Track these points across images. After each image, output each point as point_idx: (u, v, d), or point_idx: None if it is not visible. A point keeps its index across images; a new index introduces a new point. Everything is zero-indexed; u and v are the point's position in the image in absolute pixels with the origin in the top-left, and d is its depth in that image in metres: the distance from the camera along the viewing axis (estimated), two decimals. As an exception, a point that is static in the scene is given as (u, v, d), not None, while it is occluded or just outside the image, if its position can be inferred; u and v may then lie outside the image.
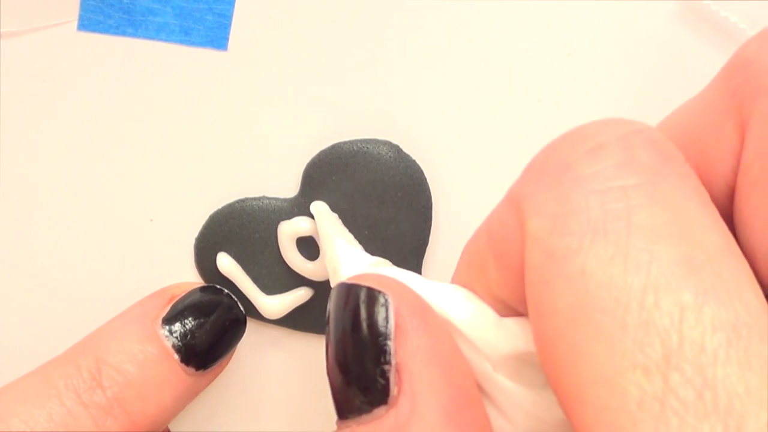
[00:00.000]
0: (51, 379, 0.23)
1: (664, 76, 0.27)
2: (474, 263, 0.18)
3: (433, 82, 0.27)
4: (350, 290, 0.18)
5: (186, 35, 0.27)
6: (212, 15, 0.27)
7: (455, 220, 0.27)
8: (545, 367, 0.15)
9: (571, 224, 0.15)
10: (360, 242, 0.27)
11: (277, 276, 0.27)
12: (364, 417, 0.17)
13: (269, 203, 0.27)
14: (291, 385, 0.28)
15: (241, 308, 0.26)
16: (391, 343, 0.17)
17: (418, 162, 0.27)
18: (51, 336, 0.27)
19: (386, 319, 0.17)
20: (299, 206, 0.27)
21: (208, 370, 0.25)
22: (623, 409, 0.13)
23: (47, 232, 0.28)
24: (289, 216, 0.27)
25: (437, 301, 0.18)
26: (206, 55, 0.27)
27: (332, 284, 0.22)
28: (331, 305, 0.18)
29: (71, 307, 0.28)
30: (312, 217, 0.27)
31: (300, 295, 0.27)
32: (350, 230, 0.27)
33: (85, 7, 0.27)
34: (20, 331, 0.28)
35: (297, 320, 0.28)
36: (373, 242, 0.27)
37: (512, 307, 0.17)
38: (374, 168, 0.26)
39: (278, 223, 0.27)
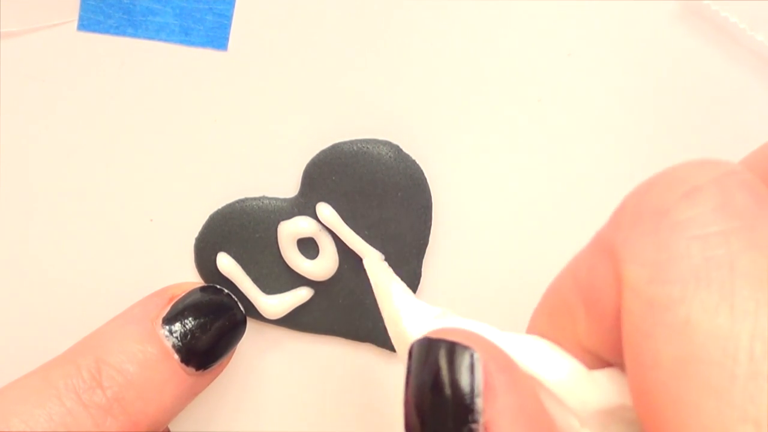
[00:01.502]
0: (51, 379, 0.23)
1: (664, 76, 0.27)
2: (558, 312, 0.18)
3: (433, 82, 0.27)
4: (432, 346, 0.17)
5: (186, 35, 0.27)
6: (212, 15, 0.27)
7: (455, 220, 0.27)
8: (644, 422, 0.15)
9: (672, 272, 0.14)
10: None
11: (277, 276, 0.27)
12: None
13: (269, 203, 0.27)
14: (291, 385, 0.28)
15: (241, 308, 0.26)
16: (480, 401, 0.16)
17: (418, 162, 0.27)
18: (51, 336, 0.27)
19: (474, 376, 0.16)
20: (299, 206, 0.27)
21: (208, 370, 0.25)
22: None
23: (47, 232, 0.28)
24: (289, 216, 0.27)
25: (520, 355, 0.18)
26: (206, 55, 0.27)
27: (392, 336, 0.21)
28: (410, 362, 0.17)
29: (71, 307, 0.28)
30: (315, 217, 0.27)
31: (300, 295, 0.27)
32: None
33: (85, 7, 0.27)
34: (20, 331, 0.28)
35: (297, 320, 0.28)
36: (373, 242, 0.27)
37: (601, 357, 0.17)
38: (374, 168, 0.26)
39: (278, 223, 0.27)
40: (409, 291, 0.23)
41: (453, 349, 0.17)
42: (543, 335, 0.18)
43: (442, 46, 0.27)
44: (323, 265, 0.27)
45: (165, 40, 0.27)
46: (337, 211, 0.26)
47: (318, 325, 0.28)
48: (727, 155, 0.18)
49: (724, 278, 0.14)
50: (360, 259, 0.27)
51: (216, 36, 0.27)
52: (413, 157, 0.27)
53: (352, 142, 0.27)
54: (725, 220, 0.14)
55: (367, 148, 0.27)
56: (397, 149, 0.27)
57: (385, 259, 0.27)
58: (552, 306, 0.18)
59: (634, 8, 0.26)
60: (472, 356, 0.17)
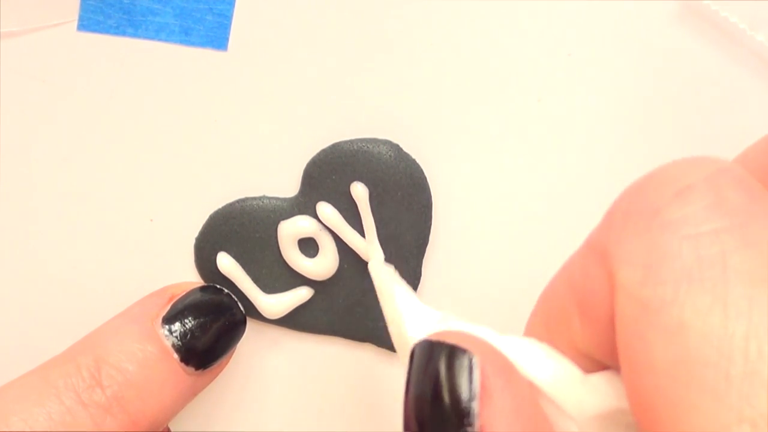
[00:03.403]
0: (50, 378, 0.23)
1: (663, 75, 0.27)
2: (554, 316, 0.18)
3: (433, 82, 0.27)
4: (433, 348, 0.17)
5: (186, 35, 0.27)
6: (212, 15, 0.27)
7: (455, 220, 0.27)
8: (641, 424, 0.14)
9: (663, 273, 0.14)
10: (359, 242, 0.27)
11: (277, 276, 0.27)
12: None
13: (269, 203, 0.27)
14: (291, 385, 0.28)
15: (241, 308, 0.26)
16: (475, 405, 0.16)
17: (418, 162, 0.27)
18: (51, 336, 0.27)
19: (471, 379, 0.16)
20: (299, 206, 0.27)
21: (208, 369, 0.25)
22: None
23: (47, 232, 0.28)
24: (289, 215, 0.27)
25: (517, 357, 0.17)
26: (206, 55, 0.27)
27: (393, 339, 0.21)
28: (411, 365, 0.17)
29: (71, 307, 0.28)
30: (315, 217, 0.27)
31: (300, 295, 0.27)
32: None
33: (85, 7, 0.27)
34: (20, 331, 0.28)
35: (297, 320, 0.27)
36: (373, 242, 0.27)
37: (597, 360, 0.17)
38: (374, 167, 0.26)
39: (278, 222, 0.27)
40: (412, 294, 0.23)
41: (452, 352, 0.17)
42: (539, 339, 0.18)
43: (442, 46, 0.27)
44: (323, 265, 0.27)
45: (165, 40, 0.27)
46: (337, 210, 0.26)
47: (318, 325, 0.28)
48: (727, 155, 0.18)
49: (717, 277, 0.14)
50: (360, 259, 0.27)
51: (216, 36, 0.27)
52: (413, 157, 0.27)
53: (352, 141, 0.27)
54: (717, 219, 0.14)
55: (367, 147, 0.27)
56: (397, 149, 0.27)
57: (385, 259, 0.27)
58: (547, 310, 0.18)
59: (634, 8, 0.26)
60: (470, 359, 0.16)
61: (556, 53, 0.27)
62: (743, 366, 0.13)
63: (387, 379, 0.28)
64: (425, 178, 0.27)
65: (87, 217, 0.27)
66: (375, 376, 0.28)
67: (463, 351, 0.17)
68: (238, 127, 0.27)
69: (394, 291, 0.22)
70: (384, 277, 0.24)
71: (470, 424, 0.16)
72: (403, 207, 0.27)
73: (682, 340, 0.13)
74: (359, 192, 0.26)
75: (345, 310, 0.27)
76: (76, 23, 0.27)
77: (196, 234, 0.27)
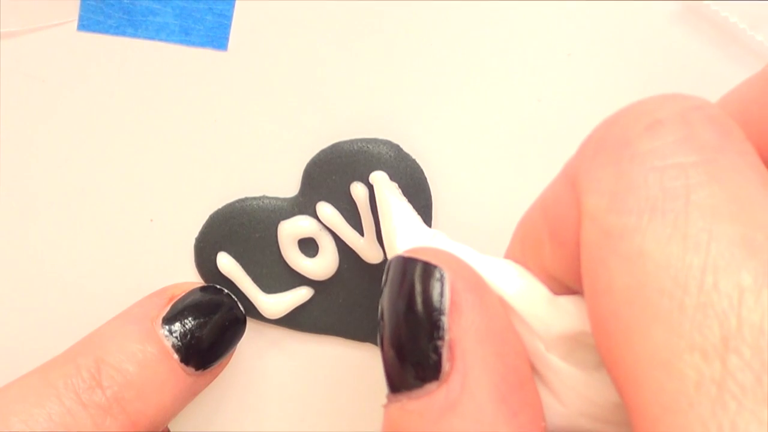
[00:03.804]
0: (50, 378, 0.23)
1: (664, 76, 0.27)
2: (528, 240, 0.18)
3: (433, 82, 0.27)
4: (406, 264, 0.17)
5: (186, 35, 0.27)
6: (212, 15, 0.27)
7: (455, 220, 0.27)
8: (600, 347, 0.15)
9: (628, 202, 0.14)
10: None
11: (277, 276, 0.27)
12: (415, 392, 0.16)
13: (269, 203, 0.27)
14: (291, 385, 0.28)
15: (241, 308, 0.26)
16: (445, 319, 0.16)
17: (418, 162, 0.27)
18: (51, 336, 0.27)
19: (441, 294, 0.17)
20: (299, 206, 0.27)
21: (208, 370, 0.25)
22: (680, 392, 0.13)
23: (47, 232, 0.28)
24: (289, 215, 0.27)
25: (490, 275, 0.18)
26: (206, 55, 0.27)
27: (388, 257, 0.22)
28: (386, 278, 0.18)
29: (71, 307, 0.28)
30: (315, 217, 0.27)
31: (300, 295, 0.27)
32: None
33: (85, 7, 0.27)
34: (20, 331, 0.28)
35: (297, 320, 0.27)
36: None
37: (567, 285, 0.17)
38: (374, 167, 0.26)
39: (278, 222, 0.27)
40: (411, 211, 0.23)
41: (424, 267, 0.17)
42: (515, 261, 0.18)
43: (442, 46, 0.27)
44: (323, 265, 0.27)
45: (165, 40, 0.27)
46: (337, 210, 0.26)
47: (318, 325, 0.28)
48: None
49: (679, 210, 0.14)
50: (360, 259, 0.27)
51: (216, 36, 0.27)
52: (413, 157, 0.27)
53: (352, 141, 0.27)
54: (685, 153, 0.14)
55: (368, 147, 0.27)
56: (397, 149, 0.27)
57: (385, 259, 0.27)
58: (523, 233, 0.18)
59: (634, 8, 0.26)
60: (441, 275, 0.17)
61: (556, 53, 0.27)
62: (697, 297, 0.13)
63: (387, 379, 0.28)
64: (425, 178, 0.27)
65: (87, 217, 0.27)
66: (375, 376, 0.28)
67: (434, 267, 0.17)
68: (238, 128, 0.27)
69: (392, 206, 0.23)
70: (386, 192, 0.24)
71: (440, 338, 0.16)
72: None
73: (640, 268, 0.14)
74: (359, 192, 0.26)
75: (345, 310, 0.27)
76: (76, 23, 0.27)
77: (196, 234, 0.27)
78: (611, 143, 0.15)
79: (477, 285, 0.17)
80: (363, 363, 0.28)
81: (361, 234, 0.27)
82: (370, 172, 0.26)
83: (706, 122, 0.15)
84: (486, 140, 0.27)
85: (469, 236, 0.27)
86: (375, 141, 0.27)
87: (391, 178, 0.26)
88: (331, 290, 0.27)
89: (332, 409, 0.28)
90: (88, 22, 0.27)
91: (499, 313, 0.17)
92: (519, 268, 0.18)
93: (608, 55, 0.27)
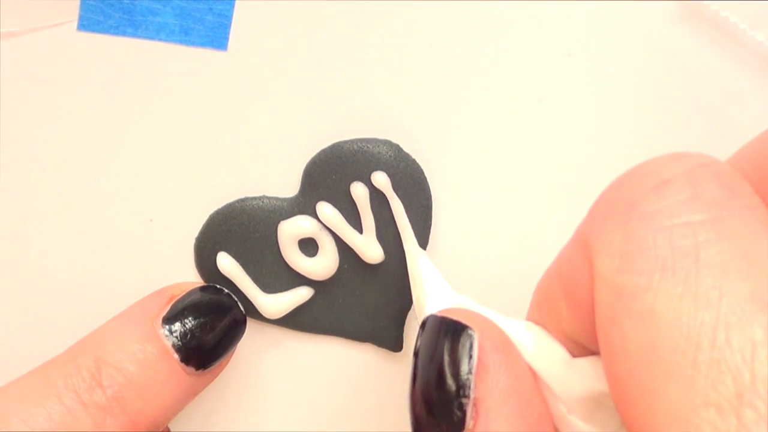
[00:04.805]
0: (51, 378, 0.23)
1: (664, 76, 0.27)
2: (545, 303, 0.18)
3: (433, 82, 0.27)
4: (440, 323, 0.18)
5: (186, 35, 0.27)
6: (212, 15, 0.27)
7: (455, 220, 0.27)
8: (618, 406, 0.15)
9: (638, 263, 0.15)
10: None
11: (277, 276, 0.27)
12: None
13: (269, 203, 0.27)
14: (291, 385, 0.28)
15: (241, 308, 0.26)
16: (471, 378, 0.17)
17: (418, 162, 0.27)
18: (51, 336, 0.27)
19: (470, 353, 0.17)
20: (299, 206, 0.27)
21: (208, 369, 0.25)
22: None
23: (47, 232, 0.28)
24: (289, 215, 0.27)
25: (515, 338, 0.18)
26: (206, 55, 0.27)
27: (418, 319, 0.23)
28: (420, 334, 0.19)
29: (71, 307, 0.28)
30: (315, 217, 0.27)
31: (300, 295, 0.27)
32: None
33: (85, 7, 0.27)
34: (20, 331, 0.28)
35: (297, 320, 0.27)
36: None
37: (585, 346, 0.18)
38: (374, 167, 0.26)
39: (278, 222, 0.27)
40: (441, 279, 0.24)
41: (454, 326, 0.18)
42: (535, 324, 0.19)
43: (442, 46, 0.27)
44: (323, 265, 0.27)
45: (165, 40, 0.27)
46: (337, 210, 0.26)
47: (318, 325, 0.28)
48: (727, 155, 0.18)
49: (689, 268, 0.14)
50: (360, 259, 0.27)
51: (216, 36, 0.27)
52: (413, 157, 0.27)
53: (352, 141, 0.27)
54: (693, 212, 0.15)
55: (367, 147, 0.27)
56: (397, 149, 0.27)
57: (385, 260, 0.27)
58: (540, 297, 0.19)
59: (634, 8, 0.26)
60: (470, 335, 0.17)
61: (556, 53, 0.27)
62: (710, 353, 0.13)
63: (387, 379, 0.28)
64: (425, 178, 0.27)
65: (87, 217, 0.27)
66: (375, 376, 0.28)
67: (464, 326, 0.18)
68: (238, 128, 0.27)
69: (422, 271, 0.24)
70: (418, 258, 0.25)
71: (466, 396, 0.17)
72: (403, 207, 0.27)
73: (652, 327, 0.14)
74: (359, 192, 0.26)
75: (345, 310, 0.27)
76: (76, 23, 0.27)
77: (196, 234, 0.27)
78: (620, 205, 0.16)
79: (504, 345, 0.18)
80: (363, 363, 0.28)
81: (361, 234, 0.27)
82: (371, 172, 0.26)
83: (712, 179, 0.15)
84: (486, 140, 0.27)
85: (469, 236, 0.27)
86: (375, 141, 0.27)
87: (391, 178, 0.26)
88: (331, 290, 0.27)
89: (332, 409, 0.28)
90: (88, 22, 0.27)
91: (525, 374, 0.18)
92: (539, 330, 0.18)
93: (608, 55, 0.27)
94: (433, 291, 0.23)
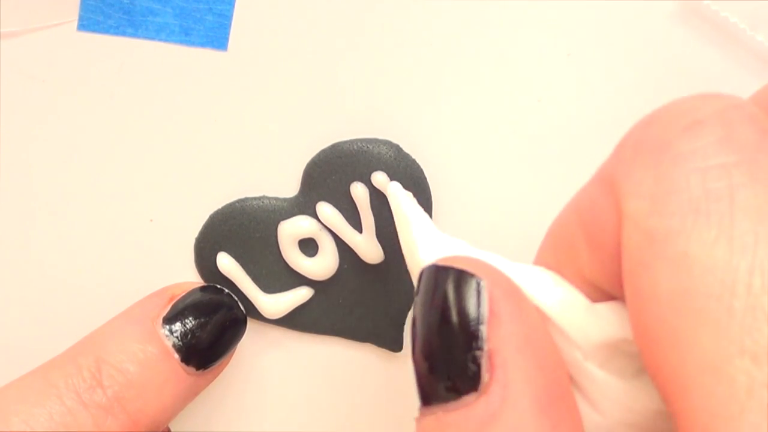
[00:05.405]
0: (51, 378, 0.23)
1: (664, 76, 0.27)
2: (562, 245, 0.17)
3: (433, 82, 0.27)
4: (440, 273, 0.17)
5: (186, 35, 0.27)
6: (212, 15, 0.27)
7: (455, 220, 0.27)
8: (644, 354, 0.14)
9: (671, 205, 0.14)
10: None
11: (277, 276, 0.27)
12: (452, 404, 0.16)
13: (269, 203, 0.27)
14: (291, 385, 0.28)
15: (242, 308, 0.26)
16: (484, 328, 0.16)
17: (418, 162, 0.27)
18: (51, 336, 0.27)
19: (479, 303, 0.16)
20: (299, 206, 0.27)
21: (209, 369, 0.25)
22: (731, 397, 0.12)
23: (47, 232, 0.28)
24: (289, 216, 0.27)
25: (524, 284, 0.17)
26: (206, 55, 0.27)
27: (409, 267, 0.21)
28: (418, 288, 0.17)
29: (71, 307, 0.28)
30: (315, 217, 0.27)
31: (300, 295, 0.27)
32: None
33: (85, 7, 0.27)
34: (20, 331, 0.28)
35: (297, 320, 0.28)
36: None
37: (604, 290, 0.17)
38: (374, 167, 0.26)
39: (278, 222, 0.27)
40: (429, 221, 0.22)
41: (459, 276, 0.17)
42: (547, 268, 0.18)
43: (442, 47, 0.27)
44: (323, 265, 0.27)
45: (165, 40, 0.27)
46: (337, 210, 0.26)
47: (318, 325, 0.28)
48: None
49: (724, 211, 0.14)
50: (360, 259, 0.27)
51: (216, 36, 0.27)
52: (413, 157, 0.27)
53: (352, 141, 0.27)
54: (727, 153, 0.14)
55: (367, 147, 0.27)
56: (397, 149, 0.27)
57: (385, 260, 0.27)
58: (555, 240, 0.18)
59: (634, 8, 0.26)
60: (478, 283, 0.16)
61: (556, 53, 0.27)
62: (746, 299, 0.13)
63: (387, 379, 0.28)
64: (425, 178, 0.27)
65: (87, 217, 0.27)
66: (375, 376, 0.28)
67: (471, 275, 0.16)
68: (238, 128, 0.27)
69: (410, 216, 0.22)
70: (402, 202, 0.24)
71: (479, 348, 0.16)
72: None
73: (686, 272, 0.13)
74: (359, 192, 0.26)
75: (345, 310, 0.27)
76: (76, 23, 0.27)
77: (196, 234, 0.27)
78: (650, 145, 0.15)
79: (515, 293, 0.17)
80: (363, 363, 0.28)
81: (361, 234, 0.27)
82: (371, 172, 0.26)
83: (745, 121, 0.15)
84: (486, 140, 0.27)
85: (469, 236, 0.27)
86: (375, 141, 0.27)
87: (391, 178, 0.26)
88: (331, 290, 0.27)
89: (332, 409, 0.28)
90: (88, 22, 0.27)
91: (538, 323, 0.17)
92: (554, 276, 0.18)
93: (608, 55, 0.27)
94: (423, 236, 0.21)
